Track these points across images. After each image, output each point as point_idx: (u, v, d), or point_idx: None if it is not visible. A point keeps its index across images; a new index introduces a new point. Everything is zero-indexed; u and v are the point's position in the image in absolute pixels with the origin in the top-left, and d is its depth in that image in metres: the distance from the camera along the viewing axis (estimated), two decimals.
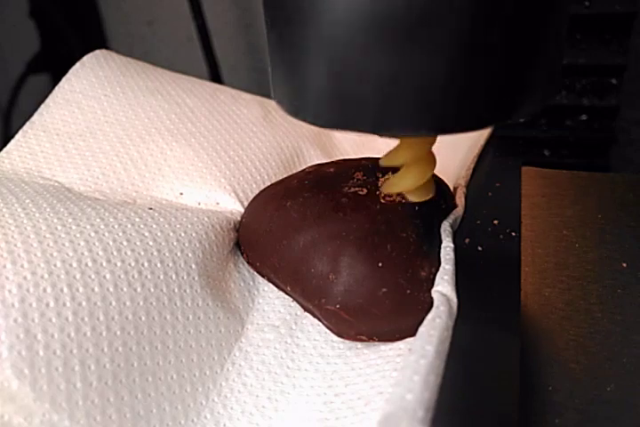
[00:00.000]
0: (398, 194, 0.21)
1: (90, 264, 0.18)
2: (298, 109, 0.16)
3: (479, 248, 0.21)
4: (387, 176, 0.22)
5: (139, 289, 0.18)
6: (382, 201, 0.21)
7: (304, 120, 0.16)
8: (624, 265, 0.23)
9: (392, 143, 0.20)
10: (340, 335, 0.20)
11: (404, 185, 0.20)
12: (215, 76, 0.58)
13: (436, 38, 0.13)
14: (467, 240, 0.21)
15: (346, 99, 0.15)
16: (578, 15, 0.38)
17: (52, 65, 0.68)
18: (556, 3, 0.14)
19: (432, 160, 0.20)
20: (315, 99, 0.16)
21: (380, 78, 0.14)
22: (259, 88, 0.60)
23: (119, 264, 0.18)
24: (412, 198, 0.21)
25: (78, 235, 0.19)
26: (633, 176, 0.29)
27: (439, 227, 0.21)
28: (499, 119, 0.15)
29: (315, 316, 0.21)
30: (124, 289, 0.18)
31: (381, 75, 0.14)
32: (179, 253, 0.20)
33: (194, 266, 0.20)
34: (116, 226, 0.20)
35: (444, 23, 0.13)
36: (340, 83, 0.15)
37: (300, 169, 0.26)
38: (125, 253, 0.19)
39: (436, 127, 0.15)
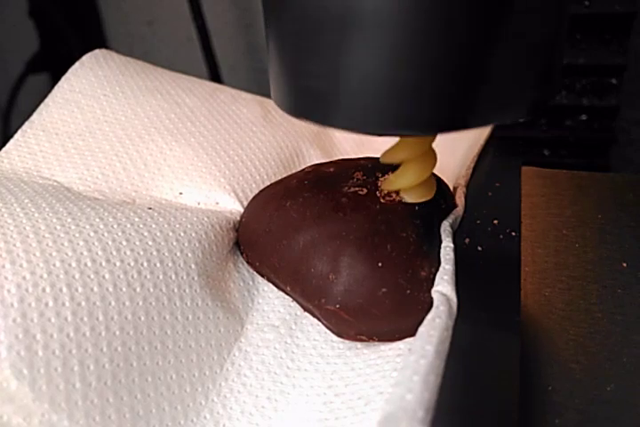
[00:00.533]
0: (397, 193, 0.21)
1: (89, 264, 0.18)
2: (295, 108, 0.16)
3: (479, 248, 0.21)
4: (387, 176, 0.22)
5: (138, 289, 0.18)
6: (382, 201, 0.21)
7: (302, 119, 0.16)
8: (624, 265, 0.23)
9: (392, 142, 0.20)
10: (339, 335, 0.20)
11: (403, 183, 0.20)
12: (215, 76, 0.58)
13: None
14: (467, 240, 0.21)
15: (343, 100, 0.15)
16: (578, 15, 0.38)
17: (51, 65, 0.68)
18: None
19: (432, 158, 0.20)
20: (311, 98, 0.16)
21: (373, 79, 0.14)
22: (258, 88, 0.60)
23: (118, 264, 0.18)
24: (409, 199, 0.21)
25: (77, 235, 0.19)
26: (633, 176, 0.29)
27: (439, 227, 0.21)
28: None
29: (314, 316, 0.21)
30: (124, 289, 0.18)
31: (374, 75, 0.14)
32: (178, 253, 0.20)
33: (193, 266, 0.20)
34: (116, 226, 0.19)
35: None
36: (337, 83, 0.15)
37: (299, 169, 0.26)
38: (124, 252, 0.19)
39: (434, 127, 0.15)
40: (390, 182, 0.20)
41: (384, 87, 0.14)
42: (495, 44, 0.14)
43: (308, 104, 0.16)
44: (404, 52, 0.14)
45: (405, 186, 0.20)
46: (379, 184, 0.21)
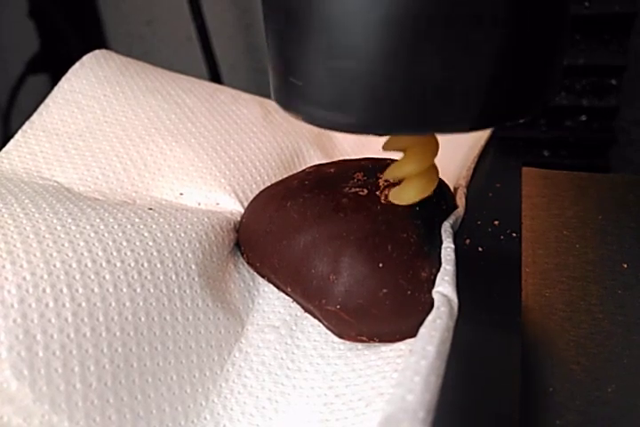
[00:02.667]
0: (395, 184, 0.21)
1: (89, 265, 0.18)
2: (297, 109, 0.16)
3: (480, 249, 0.21)
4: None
5: (138, 290, 0.18)
6: (383, 202, 0.21)
7: (304, 120, 0.16)
8: (624, 266, 0.23)
9: None
10: (340, 336, 0.20)
11: (406, 169, 0.19)
12: (215, 76, 0.58)
13: (430, 41, 0.13)
14: (467, 241, 0.21)
15: (344, 99, 0.15)
16: (578, 15, 0.38)
17: (51, 65, 0.68)
18: (557, 8, 0.14)
19: (434, 144, 0.19)
20: (314, 99, 0.16)
21: (374, 79, 0.14)
22: (258, 88, 0.60)
23: (119, 265, 0.18)
24: (402, 200, 0.20)
25: (78, 235, 0.19)
26: (633, 177, 0.29)
27: (440, 227, 0.21)
28: (499, 122, 0.15)
29: (315, 316, 0.21)
30: (124, 290, 0.18)
31: (375, 75, 0.14)
32: (178, 254, 0.20)
33: (194, 266, 0.20)
34: (116, 226, 0.19)
35: (441, 25, 0.13)
36: (338, 83, 0.15)
37: (300, 169, 0.26)
38: (125, 253, 0.19)
39: (436, 128, 0.15)
40: (393, 170, 0.20)
41: (387, 88, 0.14)
42: (507, 46, 0.14)
43: (309, 104, 0.16)
44: (410, 55, 0.14)
45: (408, 173, 0.20)
46: (380, 185, 0.21)
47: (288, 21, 0.15)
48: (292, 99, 0.17)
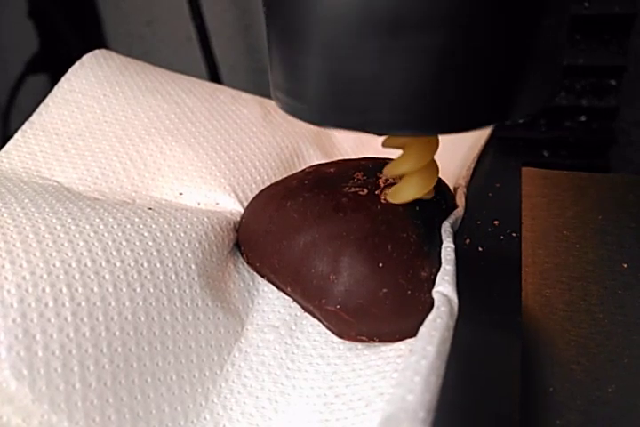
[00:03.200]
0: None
1: (89, 264, 0.18)
2: (297, 109, 0.16)
3: (480, 249, 0.21)
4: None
5: (138, 289, 0.18)
6: (383, 201, 0.21)
7: (303, 119, 0.16)
8: (624, 266, 0.23)
9: None
10: (340, 336, 0.20)
11: (407, 166, 0.19)
12: (214, 77, 0.58)
13: (427, 39, 0.13)
14: (467, 241, 0.21)
15: (342, 98, 0.15)
16: (577, 16, 0.38)
17: (51, 65, 0.68)
18: (549, 5, 0.14)
19: (433, 143, 0.19)
20: (314, 98, 0.16)
21: (372, 78, 0.14)
22: (258, 88, 0.60)
23: (118, 264, 0.18)
24: (397, 198, 0.20)
25: (77, 235, 0.18)
26: (633, 177, 0.29)
27: (440, 227, 0.21)
28: (494, 120, 0.15)
29: (315, 316, 0.21)
30: (124, 289, 0.18)
31: (373, 74, 0.14)
32: (178, 254, 0.20)
33: (193, 266, 0.20)
34: (116, 226, 0.19)
35: (435, 25, 0.13)
36: (337, 82, 0.15)
37: (299, 169, 0.26)
38: (125, 253, 0.19)
39: (429, 127, 0.15)
40: (392, 168, 0.20)
41: (387, 89, 0.14)
42: (514, 48, 0.14)
43: (309, 104, 0.16)
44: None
45: (409, 169, 0.20)
46: (380, 184, 0.21)
47: (287, 24, 0.15)
48: (292, 98, 0.17)
